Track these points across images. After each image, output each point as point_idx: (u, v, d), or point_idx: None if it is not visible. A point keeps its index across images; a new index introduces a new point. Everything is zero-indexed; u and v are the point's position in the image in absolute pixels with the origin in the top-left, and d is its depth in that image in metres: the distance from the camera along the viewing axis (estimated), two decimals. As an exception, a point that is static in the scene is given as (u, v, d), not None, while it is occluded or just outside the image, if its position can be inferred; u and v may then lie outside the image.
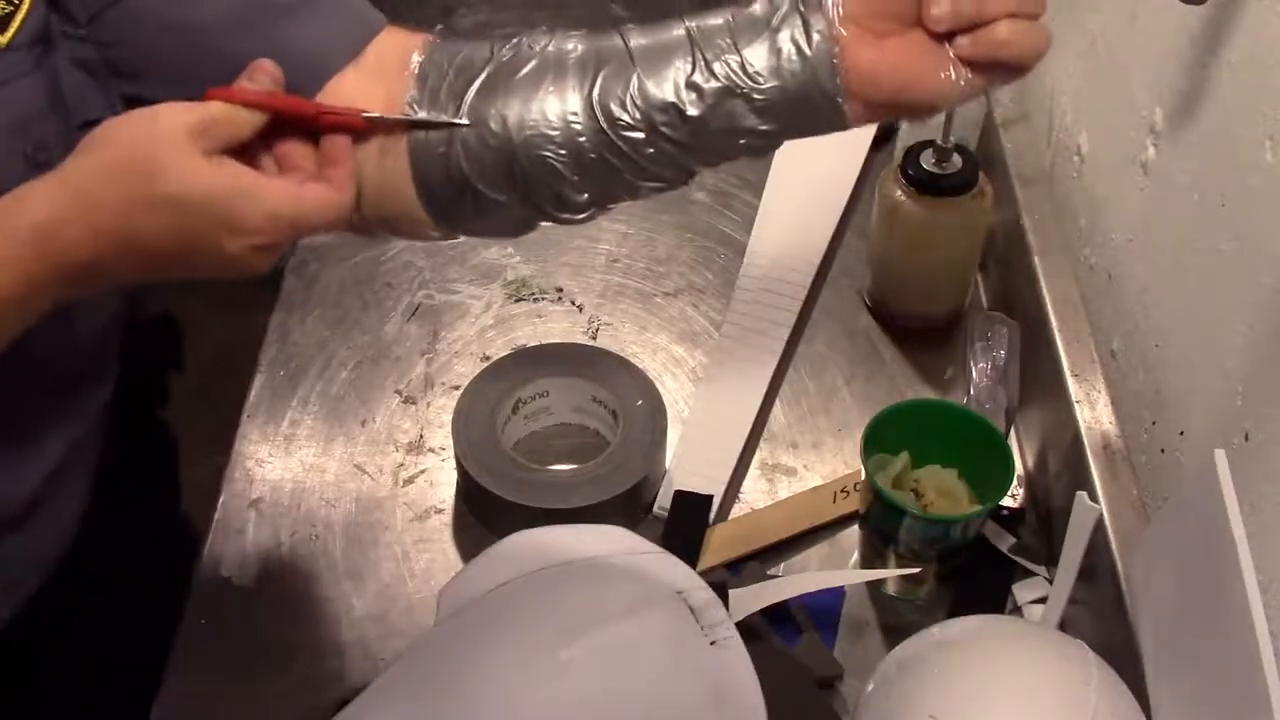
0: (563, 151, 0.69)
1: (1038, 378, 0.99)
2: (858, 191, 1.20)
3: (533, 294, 1.14)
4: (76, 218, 0.64)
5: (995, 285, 1.13)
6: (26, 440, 0.85)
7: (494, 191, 0.71)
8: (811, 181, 1.20)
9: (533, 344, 1.06)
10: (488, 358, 1.07)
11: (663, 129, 0.68)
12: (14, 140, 0.72)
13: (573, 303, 1.13)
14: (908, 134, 1.14)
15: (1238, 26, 0.78)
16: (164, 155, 0.63)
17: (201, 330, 1.22)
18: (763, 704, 0.76)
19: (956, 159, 1.01)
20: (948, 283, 1.09)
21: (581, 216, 0.73)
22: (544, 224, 0.75)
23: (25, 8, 0.71)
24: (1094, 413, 0.91)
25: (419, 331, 1.11)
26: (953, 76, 0.66)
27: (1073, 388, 0.93)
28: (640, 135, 0.69)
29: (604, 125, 0.69)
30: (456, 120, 0.70)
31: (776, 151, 1.19)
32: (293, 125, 0.69)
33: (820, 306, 1.12)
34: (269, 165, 0.69)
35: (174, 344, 1.20)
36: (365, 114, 0.70)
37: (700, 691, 0.77)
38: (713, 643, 0.79)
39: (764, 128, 0.68)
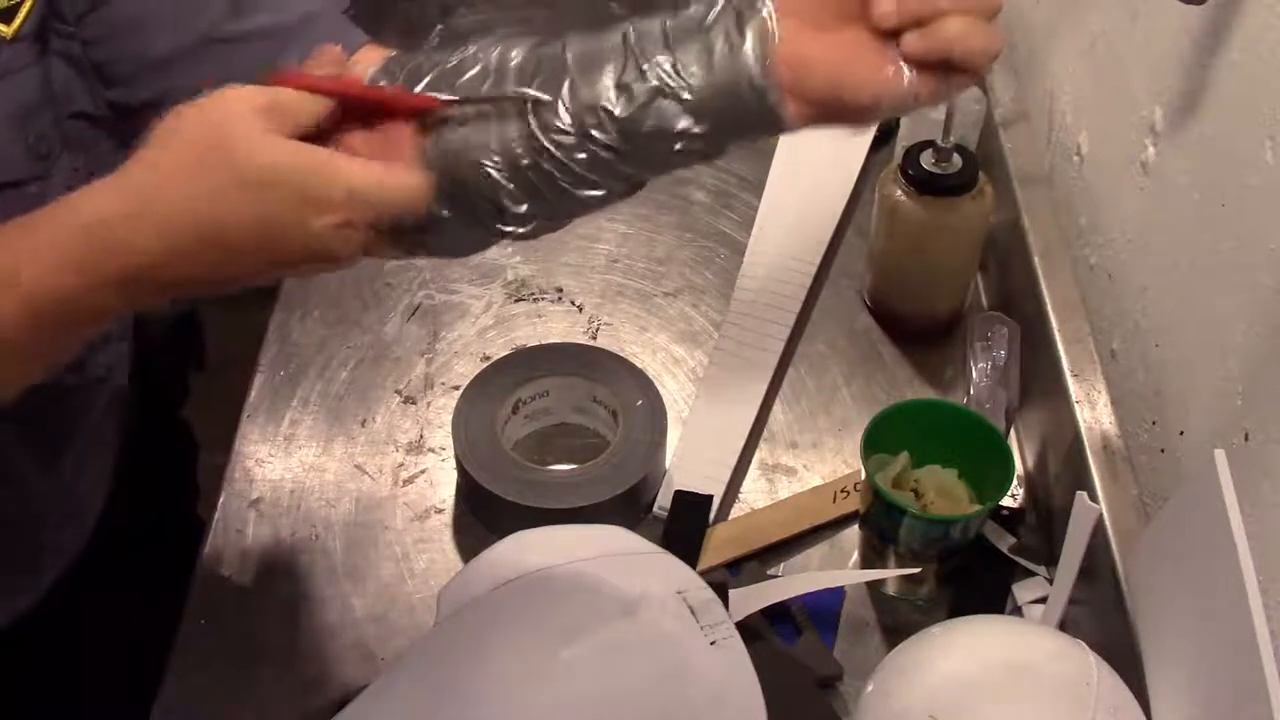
0: (497, 158, 0.67)
1: (1038, 378, 0.99)
2: (858, 191, 1.20)
3: (533, 294, 1.14)
4: (147, 211, 0.61)
5: (995, 285, 1.13)
6: (46, 433, 0.86)
7: (434, 206, 0.68)
8: (811, 181, 1.20)
9: (533, 344, 1.06)
10: (488, 358, 1.07)
11: (593, 132, 0.66)
12: (16, 130, 0.72)
13: (573, 303, 1.13)
14: (908, 134, 1.14)
15: (1238, 26, 0.78)
16: (238, 135, 0.61)
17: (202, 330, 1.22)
18: (763, 704, 0.76)
19: (956, 159, 1.01)
20: (948, 283, 1.09)
21: (525, 230, 0.69)
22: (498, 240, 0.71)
23: (29, 1, 0.71)
24: (1094, 413, 0.91)
25: (419, 331, 1.11)
26: (895, 75, 0.63)
27: (1073, 388, 0.93)
28: (571, 139, 0.66)
29: (536, 130, 0.66)
30: (527, 93, 0.66)
31: (776, 151, 1.22)
32: (356, 115, 0.66)
33: (820, 306, 1.12)
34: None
35: (196, 344, 1.20)
36: (440, 96, 0.67)
37: (700, 691, 0.77)
38: (713, 643, 0.79)
39: (697, 129, 0.66)
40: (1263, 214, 0.75)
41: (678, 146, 0.67)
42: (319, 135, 0.65)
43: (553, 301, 1.13)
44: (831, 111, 0.65)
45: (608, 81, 0.66)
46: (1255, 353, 0.76)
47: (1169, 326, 0.89)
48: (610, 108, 0.65)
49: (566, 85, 0.66)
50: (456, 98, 0.67)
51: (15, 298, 0.60)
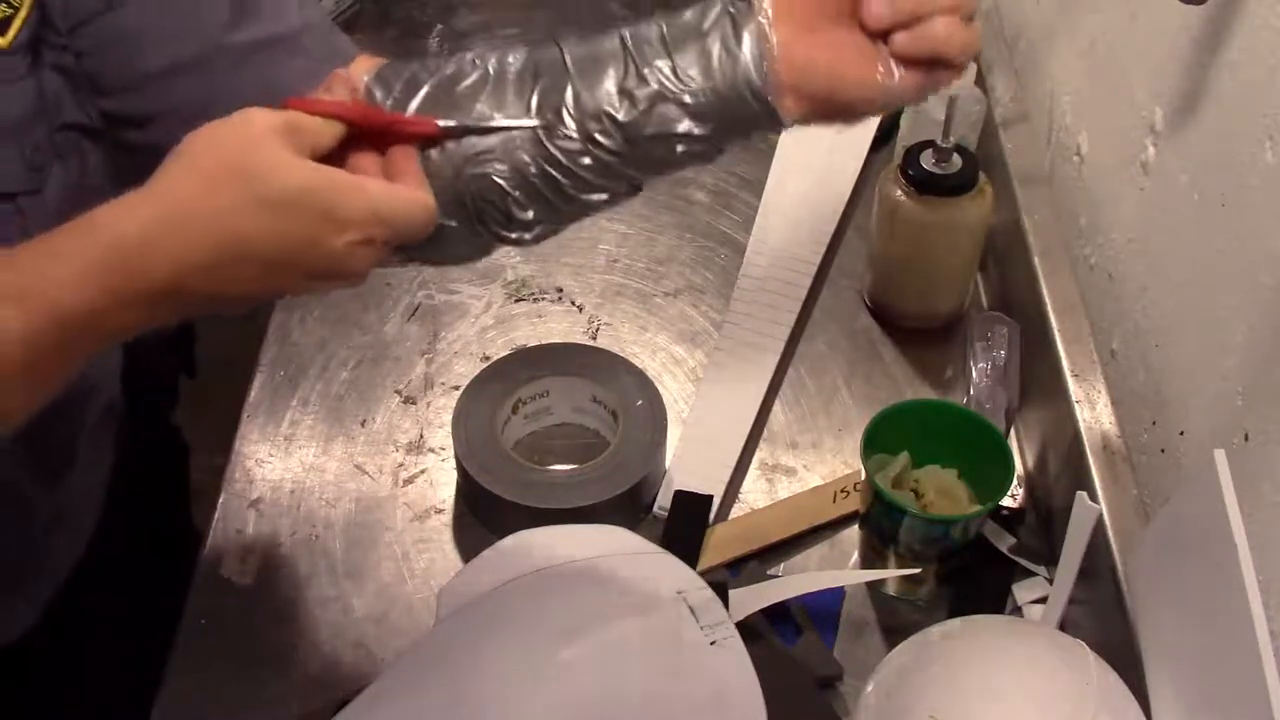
0: (502, 166, 0.69)
1: (1038, 378, 0.99)
2: (858, 191, 1.20)
3: (533, 294, 1.14)
4: (168, 231, 0.61)
5: (995, 285, 1.13)
6: (44, 449, 0.85)
7: (441, 217, 0.69)
8: (812, 182, 1.20)
9: (533, 344, 1.06)
10: (488, 358, 1.07)
11: (598, 137, 0.68)
12: (11, 142, 0.72)
13: (573, 303, 1.13)
14: (908, 134, 1.14)
15: (1238, 26, 0.78)
16: (260, 155, 0.62)
17: (201, 330, 1.22)
18: (763, 704, 0.76)
19: (956, 159, 1.01)
20: (948, 283, 1.09)
21: (530, 236, 0.71)
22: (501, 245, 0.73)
23: (24, 12, 0.71)
24: (1094, 413, 0.91)
25: (419, 331, 1.11)
26: (886, 72, 0.67)
27: (1073, 388, 0.93)
28: (576, 145, 0.68)
29: (541, 137, 0.68)
30: (527, 123, 0.69)
31: (776, 151, 1.22)
32: (363, 136, 0.68)
33: (820, 306, 1.12)
34: None
35: (186, 349, 1.20)
36: (440, 122, 0.69)
37: (700, 692, 0.77)
38: (713, 643, 0.79)
39: (699, 131, 0.68)
40: (1263, 214, 0.75)
41: (679, 149, 0.69)
42: (329, 157, 0.66)
43: (553, 301, 1.13)
44: (827, 109, 0.68)
45: (610, 87, 0.68)
46: (1255, 353, 0.76)
47: (1169, 326, 0.89)
48: (614, 113, 0.68)
49: (569, 91, 0.68)
50: (455, 123, 0.69)
51: (45, 317, 0.60)
